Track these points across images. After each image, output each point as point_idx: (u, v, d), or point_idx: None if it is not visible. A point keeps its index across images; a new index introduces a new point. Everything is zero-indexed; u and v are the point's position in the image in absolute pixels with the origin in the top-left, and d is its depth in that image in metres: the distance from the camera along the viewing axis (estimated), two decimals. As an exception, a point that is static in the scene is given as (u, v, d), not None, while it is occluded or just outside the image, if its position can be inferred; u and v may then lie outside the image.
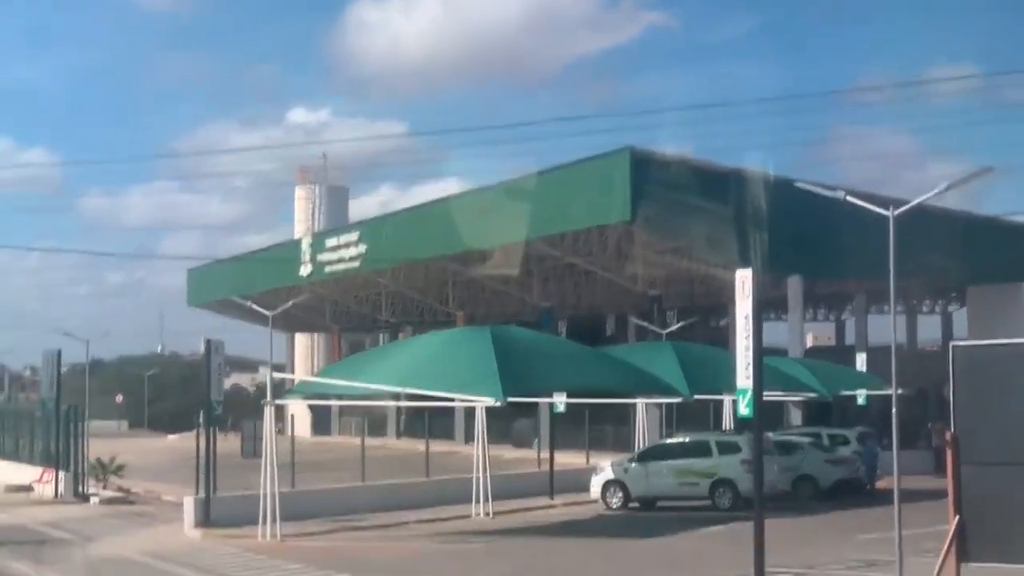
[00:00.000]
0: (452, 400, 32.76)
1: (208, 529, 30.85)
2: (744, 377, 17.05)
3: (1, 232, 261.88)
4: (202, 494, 31.97)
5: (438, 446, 54.47)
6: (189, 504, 31.94)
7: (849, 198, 19.50)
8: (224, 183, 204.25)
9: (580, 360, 35.49)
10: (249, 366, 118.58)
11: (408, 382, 31.84)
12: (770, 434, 39.79)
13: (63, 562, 26.33)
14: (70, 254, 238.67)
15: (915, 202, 18.61)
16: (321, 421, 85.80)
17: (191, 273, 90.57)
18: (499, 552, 27.95)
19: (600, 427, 55.11)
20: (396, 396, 47.10)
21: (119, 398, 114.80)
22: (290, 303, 63.76)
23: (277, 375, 39.84)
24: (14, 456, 47.71)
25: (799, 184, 21.48)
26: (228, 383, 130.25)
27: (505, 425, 62.58)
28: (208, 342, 33.68)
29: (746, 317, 17.08)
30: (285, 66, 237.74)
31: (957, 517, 14.72)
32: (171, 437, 79.89)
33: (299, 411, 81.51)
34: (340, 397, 42.39)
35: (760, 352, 17.17)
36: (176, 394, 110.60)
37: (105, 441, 57.53)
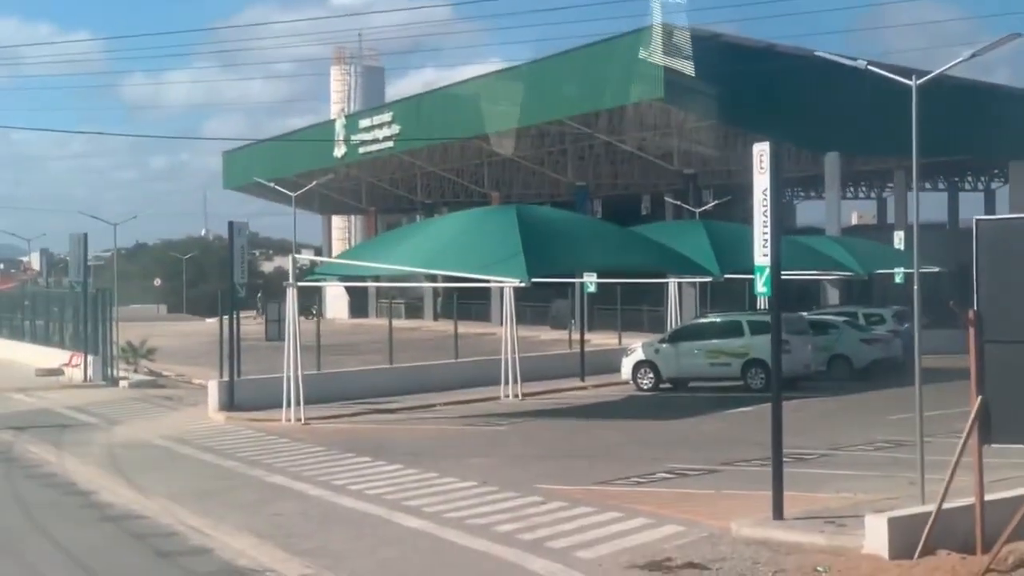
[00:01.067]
0: (477, 281, 32.26)
1: (232, 412, 30.76)
2: (762, 255, 16.47)
3: (45, 116, 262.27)
4: (226, 377, 31.87)
5: (475, 328, 54.35)
6: (213, 387, 31.85)
7: (871, 67, 18.72)
8: (267, 65, 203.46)
9: (609, 239, 34.86)
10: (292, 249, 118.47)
11: (432, 263, 31.35)
12: (804, 314, 39.33)
13: (83, 446, 26.20)
14: (114, 138, 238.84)
15: (938, 71, 17.80)
16: (359, 303, 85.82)
17: (227, 156, 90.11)
18: (523, 433, 27.71)
19: (636, 308, 54.70)
20: (433, 278, 46.81)
21: (157, 282, 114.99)
22: (313, 183, 63.17)
23: (305, 257, 39.47)
24: (45, 340, 47.78)
25: (819, 53, 20.67)
26: (271, 266, 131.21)
27: (543, 306, 62.33)
28: (231, 224, 33.27)
29: (764, 192, 16.44)
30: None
31: (979, 398, 14.15)
32: (209, 321, 80.00)
33: (338, 294, 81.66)
34: (369, 279, 42.16)
35: (779, 229, 16.55)
36: (216, 278, 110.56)
37: (142, 325, 57.73)
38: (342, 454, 24.35)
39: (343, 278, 39.95)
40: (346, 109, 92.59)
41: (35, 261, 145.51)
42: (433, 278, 43.64)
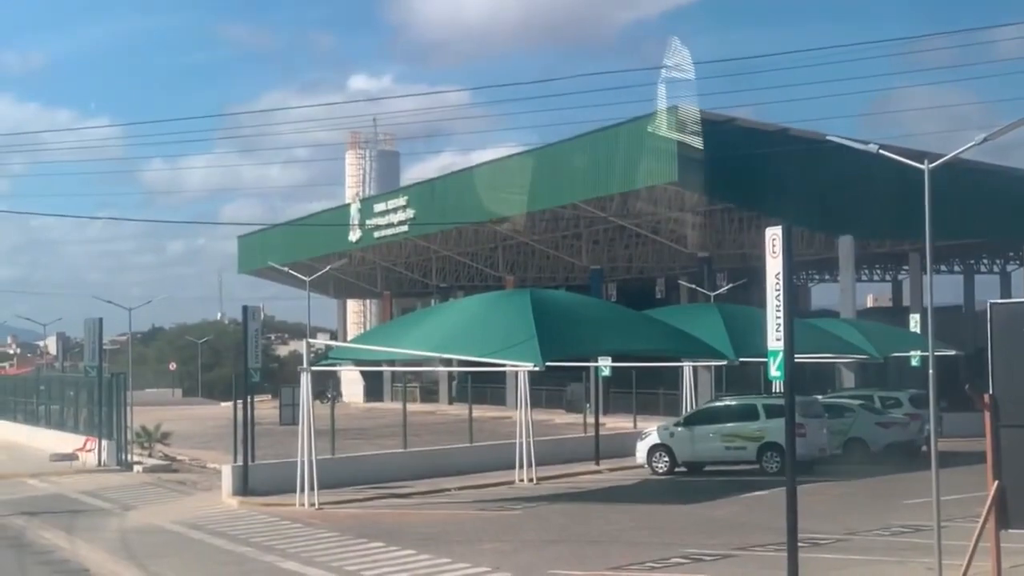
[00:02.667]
0: (492, 365, 32.19)
1: (245, 497, 30.61)
2: (775, 339, 16.42)
3: (64, 202, 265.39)
4: (240, 462, 31.79)
5: (491, 411, 54.20)
6: (227, 472, 31.73)
7: (882, 152, 18.79)
8: (285, 150, 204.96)
9: (623, 323, 34.84)
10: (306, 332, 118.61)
11: (446, 347, 31.33)
12: (819, 397, 39.20)
13: (96, 531, 26.07)
14: (132, 223, 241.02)
15: (950, 155, 17.88)
16: (374, 387, 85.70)
17: (242, 240, 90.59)
18: (537, 518, 27.48)
19: (652, 391, 54.63)
20: (448, 362, 46.77)
21: (172, 366, 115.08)
22: (327, 268, 63.38)
23: (320, 341, 39.40)
24: (60, 424, 47.70)
25: (830, 137, 20.77)
26: (287, 350, 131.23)
27: (559, 390, 62.24)
28: (246, 308, 33.37)
29: (777, 276, 16.43)
30: (345, 32, 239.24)
31: (996, 482, 14.06)
32: (223, 404, 79.92)
33: (353, 378, 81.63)
34: (385, 363, 42.09)
35: (791, 313, 16.52)
36: (231, 361, 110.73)
37: (157, 409, 57.62)
38: (355, 539, 24.17)
39: (357, 362, 39.87)
40: (361, 193, 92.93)
41: (52, 345, 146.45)
42: (448, 362, 43.51)
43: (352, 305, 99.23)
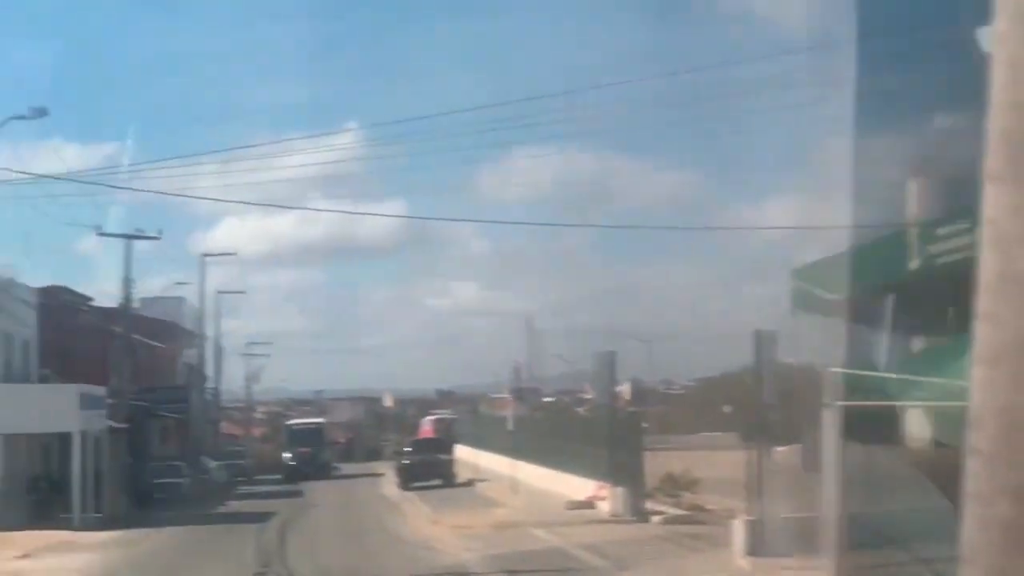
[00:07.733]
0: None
1: (760, 558, 25.50)
2: None
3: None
4: (755, 515, 26.86)
5: None
6: (737, 527, 26.79)
7: None
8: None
9: None
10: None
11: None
12: None
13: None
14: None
15: None
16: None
17: (795, 273, 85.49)
18: None
19: None
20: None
21: (727, 408, 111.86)
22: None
23: (840, 370, 33.31)
24: (580, 469, 44.23)
25: None
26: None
27: None
28: (757, 334, 28.52)
29: None
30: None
31: None
32: (778, 450, 75.24)
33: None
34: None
35: None
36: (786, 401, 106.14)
37: (712, 453, 53.65)
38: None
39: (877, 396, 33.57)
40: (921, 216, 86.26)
41: (626, 392, 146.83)
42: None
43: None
